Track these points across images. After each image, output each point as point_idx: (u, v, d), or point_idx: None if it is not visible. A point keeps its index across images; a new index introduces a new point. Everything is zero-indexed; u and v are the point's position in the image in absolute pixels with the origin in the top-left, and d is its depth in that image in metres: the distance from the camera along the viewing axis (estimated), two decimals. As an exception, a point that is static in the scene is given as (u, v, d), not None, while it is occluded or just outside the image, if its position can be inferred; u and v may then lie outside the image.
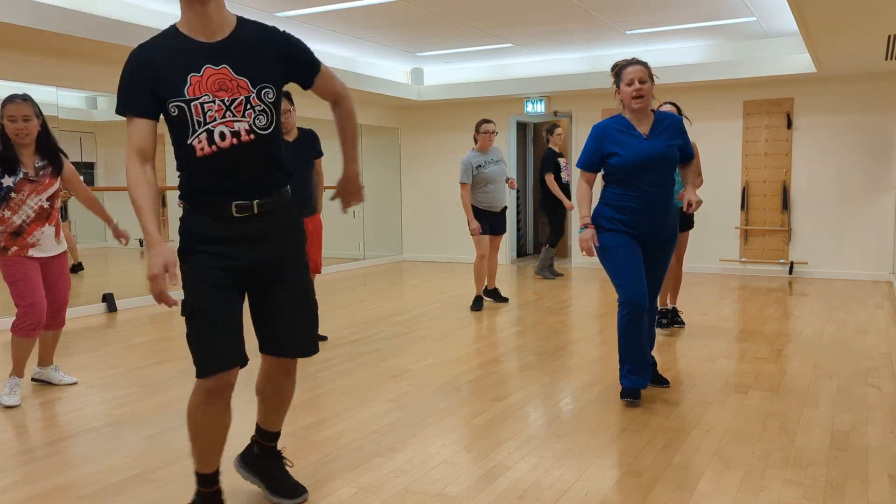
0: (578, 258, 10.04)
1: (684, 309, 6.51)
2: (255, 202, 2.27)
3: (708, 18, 7.28)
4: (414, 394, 3.99)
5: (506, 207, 6.65)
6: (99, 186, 7.68)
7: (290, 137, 4.85)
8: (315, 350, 2.49)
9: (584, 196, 3.81)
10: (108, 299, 6.73)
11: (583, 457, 3.06)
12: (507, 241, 10.52)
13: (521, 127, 11.35)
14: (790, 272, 8.77)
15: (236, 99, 2.16)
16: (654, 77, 3.78)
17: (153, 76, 2.14)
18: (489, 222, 6.56)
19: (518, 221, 11.23)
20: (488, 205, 6.50)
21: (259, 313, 2.41)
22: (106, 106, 8.98)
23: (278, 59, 2.25)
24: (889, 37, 6.08)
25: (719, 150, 9.10)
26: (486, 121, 6.52)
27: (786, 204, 8.74)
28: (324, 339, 5.36)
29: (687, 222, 5.47)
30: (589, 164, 3.76)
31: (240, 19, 2.24)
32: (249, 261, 2.29)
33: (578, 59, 9.35)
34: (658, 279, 3.87)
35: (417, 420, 3.55)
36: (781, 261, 8.83)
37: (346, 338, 5.45)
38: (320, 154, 5.02)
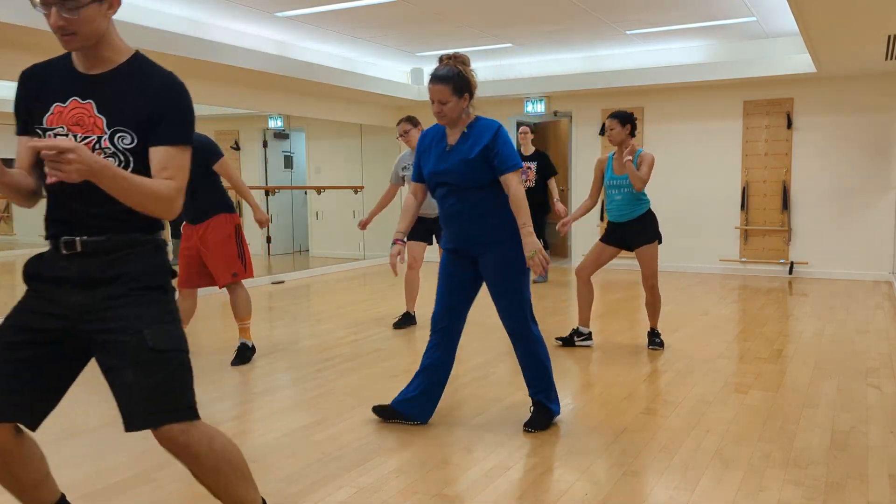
0: (578, 257, 10.04)
1: (685, 309, 6.52)
2: (79, 239, 1.93)
3: (708, 18, 7.28)
4: (414, 394, 3.98)
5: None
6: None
7: None
8: (160, 420, 1.91)
9: (404, 208, 3.52)
10: (108, 299, 6.72)
11: (583, 457, 3.06)
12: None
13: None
14: (790, 272, 8.77)
15: (88, 137, 1.93)
16: (464, 91, 3.27)
17: (32, 97, 2.01)
18: (424, 228, 5.82)
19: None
20: (422, 211, 5.76)
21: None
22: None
23: (149, 108, 1.95)
24: (889, 37, 6.08)
25: (719, 150, 9.10)
26: (400, 121, 5.76)
27: (786, 204, 8.75)
28: (246, 355, 4.78)
29: (649, 234, 4.92)
30: (415, 174, 3.50)
31: (136, 55, 2.01)
32: (67, 309, 1.94)
33: (578, 59, 9.35)
34: (501, 304, 3.35)
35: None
36: (781, 261, 8.83)
37: (346, 338, 5.45)
38: (217, 156, 4.64)
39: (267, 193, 9.79)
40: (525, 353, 3.41)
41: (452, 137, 3.34)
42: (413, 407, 3.48)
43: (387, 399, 3.87)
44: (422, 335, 5.52)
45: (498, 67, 9.89)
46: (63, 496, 2.20)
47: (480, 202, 3.30)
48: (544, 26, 7.56)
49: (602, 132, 9.69)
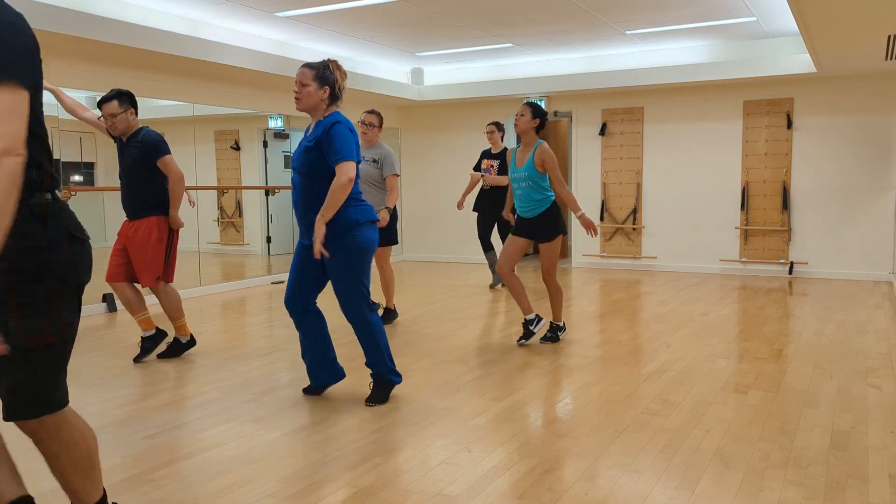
0: (579, 258, 10.04)
1: (685, 309, 6.52)
2: None
3: (708, 18, 7.28)
4: (414, 394, 3.99)
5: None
6: (98, 186, 7.67)
7: (125, 138, 4.62)
8: (21, 415, 1.94)
9: None
10: (109, 299, 6.73)
11: (583, 457, 3.06)
12: (507, 241, 10.50)
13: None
14: (790, 272, 8.77)
15: None
16: (325, 84, 3.54)
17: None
18: None
19: (518, 221, 11.22)
20: None
21: None
22: (106, 106, 8.96)
23: None
24: (889, 37, 6.08)
25: (719, 150, 9.10)
26: (367, 112, 5.79)
27: (786, 204, 8.74)
28: (178, 350, 4.88)
29: (552, 230, 4.98)
30: None
31: None
32: None
33: (578, 59, 9.35)
34: (336, 288, 3.74)
35: (417, 420, 3.55)
36: (781, 261, 8.83)
37: (346, 338, 5.44)
38: (160, 155, 4.57)
39: (267, 193, 9.79)
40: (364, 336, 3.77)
41: (311, 128, 3.64)
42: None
43: (385, 400, 3.88)
44: (421, 336, 5.52)
45: (498, 67, 9.89)
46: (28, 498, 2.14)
47: (306, 192, 3.57)
48: (544, 26, 7.56)
49: (602, 132, 9.69)
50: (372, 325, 3.76)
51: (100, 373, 4.50)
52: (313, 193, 3.57)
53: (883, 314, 6.23)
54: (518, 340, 5.19)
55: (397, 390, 4.04)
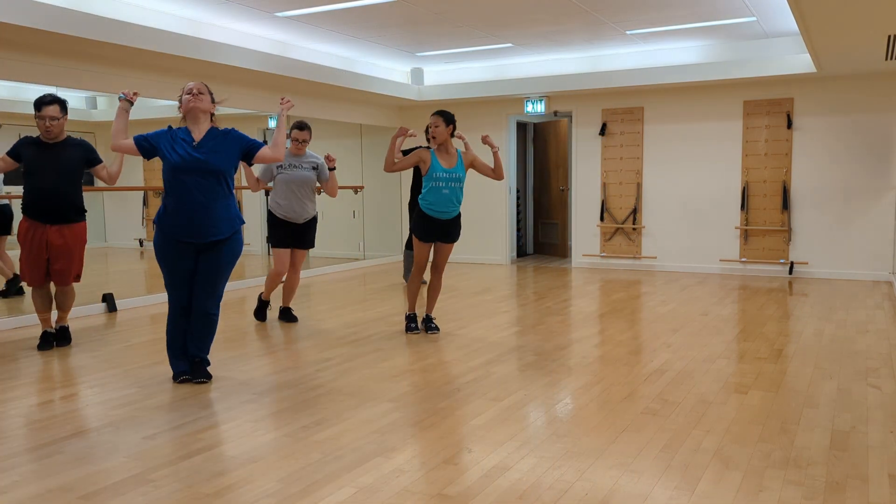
0: (579, 258, 10.04)
1: (685, 310, 6.51)
2: None
3: (708, 18, 7.28)
4: (414, 394, 3.99)
5: (313, 220, 5.89)
6: (99, 187, 7.68)
7: (52, 142, 4.85)
8: None
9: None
10: (108, 299, 6.72)
11: (583, 457, 3.06)
12: (507, 241, 10.50)
13: (521, 127, 11.36)
14: (790, 272, 8.77)
15: None
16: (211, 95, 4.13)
17: None
18: (290, 233, 5.83)
19: (518, 222, 11.23)
20: (284, 214, 5.76)
21: None
22: (105, 106, 8.97)
23: None
24: (889, 37, 6.08)
25: (719, 150, 9.10)
26: (297, 128, 5.74)
27: (786, 204, 8.74)
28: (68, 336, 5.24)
29: (459, 232, 5.44)
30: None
31: None
32: None
33: (578, 59, 9.35)
34: (210, 281, 4.11)
35: (417, 420, 3.55)
36: (781, 261, 8.83)
37: (346, 338, 5.45)
38: (99, 160, 5.07)
39: (267, 193, 9.79)
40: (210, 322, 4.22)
41: (197, 134, 4.04)
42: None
43: (388, 398, 3.88)
44: (421, 336, 5.52)
45: (498, 67, 9.89)
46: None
47: (220, 193, 4.02)
48: (544, 26, 7.56)
49: (602, 132, 9.69)
50: (216, 320, 4.25)
51: (99, 372, 4.50)
52: (216, 192, 4.00)
53: (883, 314, 6.23)
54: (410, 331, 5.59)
55: (397, 390, 4.05)
